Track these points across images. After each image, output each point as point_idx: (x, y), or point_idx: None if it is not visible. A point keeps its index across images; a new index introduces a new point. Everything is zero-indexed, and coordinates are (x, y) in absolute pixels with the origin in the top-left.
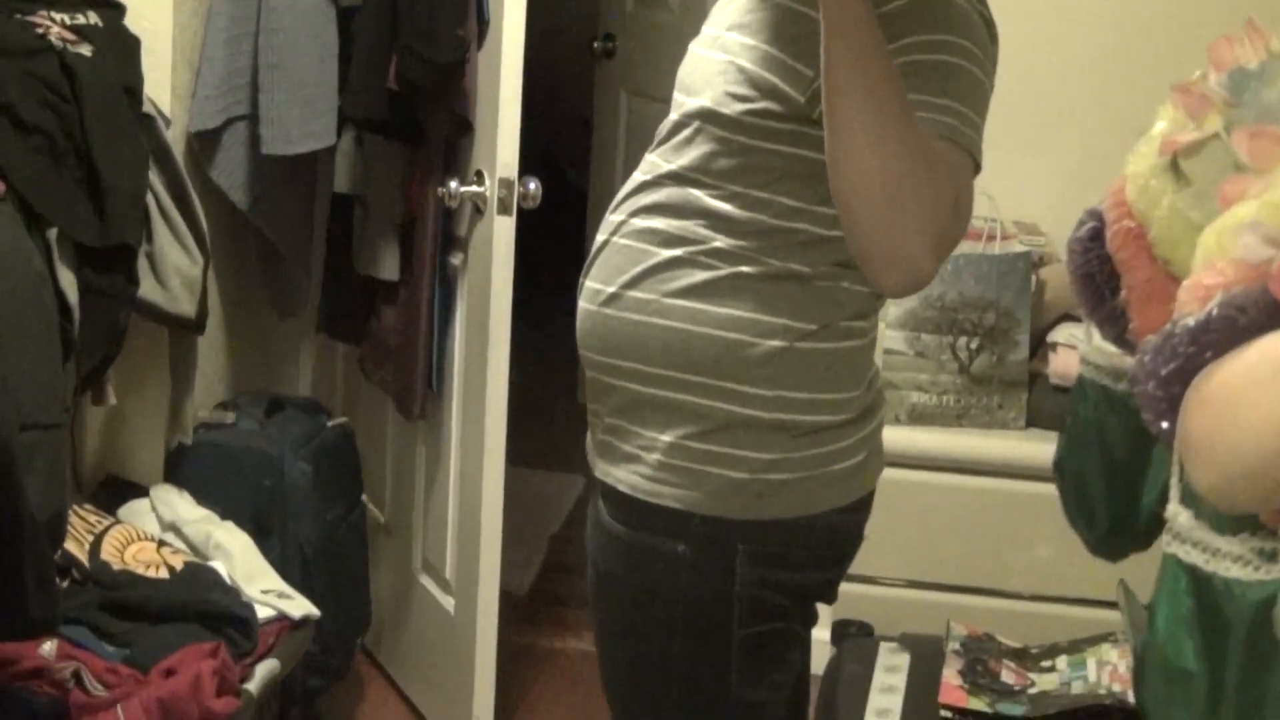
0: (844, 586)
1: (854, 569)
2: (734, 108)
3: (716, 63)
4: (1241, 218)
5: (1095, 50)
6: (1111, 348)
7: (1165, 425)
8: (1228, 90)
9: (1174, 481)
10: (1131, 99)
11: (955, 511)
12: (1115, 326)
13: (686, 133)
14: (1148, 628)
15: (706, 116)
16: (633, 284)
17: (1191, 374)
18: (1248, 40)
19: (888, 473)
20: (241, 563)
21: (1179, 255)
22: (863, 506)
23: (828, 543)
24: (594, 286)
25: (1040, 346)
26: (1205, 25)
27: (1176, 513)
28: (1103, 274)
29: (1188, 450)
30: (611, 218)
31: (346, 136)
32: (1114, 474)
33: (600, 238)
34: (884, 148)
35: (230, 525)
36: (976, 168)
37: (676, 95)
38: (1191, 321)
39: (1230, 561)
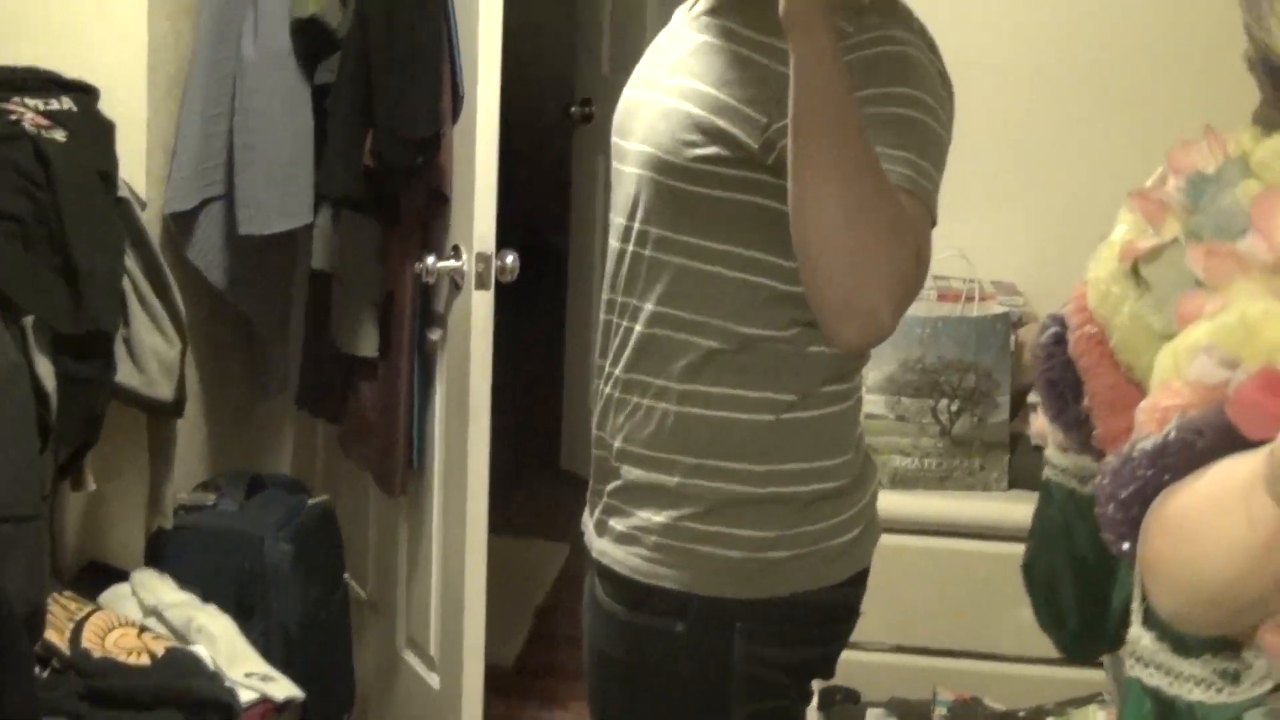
0: None
1: None
2: (683, 154)
3: (657, 106)
4: (1196, 339)
5: (1070, 108)
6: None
7: (1126, 547)
8: (1186, 195)
9: (1135, 605)
10: (1107, 157)
11: (940, 575)
12: (1080, 432)
13: (634, 183)
14: None
15: (652, 164)
16: (627, 366)
17: (1150, 496)
18: (1205, 144)
19: (878, 539)
20: (224, 646)
21: (1141, 362)
22: (859, 581)
23: (826, 619)
24: (600, 364)
25: (1021, 407)
26: (1180, 87)
27: (1139, 635)
28: (1066, 380)
29: (1149, 574)
30: (606, 296)
31: (323, 214)
32: (1083, 577)
33: (602, 316)
34: (850, 198)
35: (212, 608)
36: (933, 221)
37: (616, 140)
38: (1149, 444)
39: (1194, 684)
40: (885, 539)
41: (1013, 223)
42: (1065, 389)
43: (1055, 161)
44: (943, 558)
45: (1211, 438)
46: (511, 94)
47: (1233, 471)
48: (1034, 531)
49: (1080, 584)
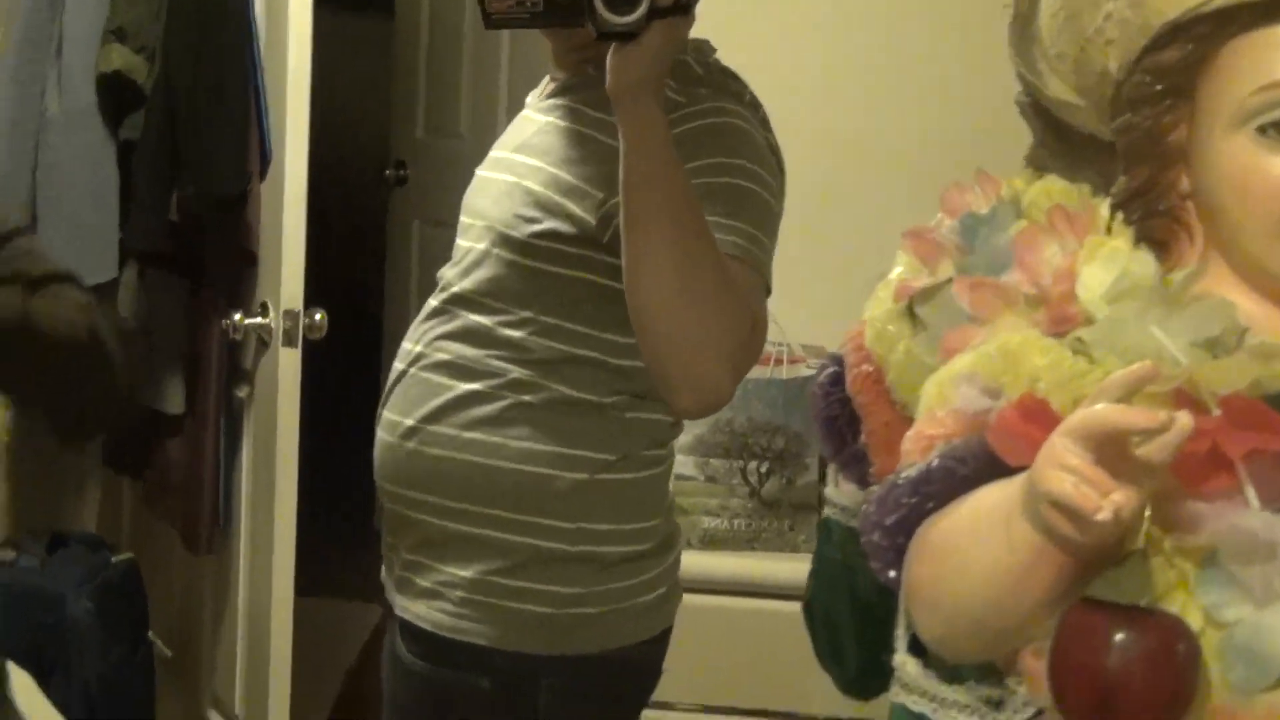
0: None
1: None
2: (522, 230)
3: (502, 184)
4: (959, 369)
5: (878, 172)
6: (855, 489)
7: (893, 574)
8: (959, 236)
9: (900, 631)
10: (914, 220)
11: (749, 635)
12: (858, 469)
13: (475, 255)
14: None
15: (495, 239)
16: (431, 418)
17: (915, 524)
18: (978, 187)
19: (681, 598)
20: (23, 705)
21: (916, 399)
22: (663, 639)
23: (631, 676)
24: (392, 418)
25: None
26: (988, 149)
27: (904, 661)
28: (844, 417)
29: (913, 600)
30: (408, 346)
31: (129, 270)
32: (863, 615)
33: (398, 367)
34: (685, 270)
35: (11, 666)
36: (767, 289)
37: (463, 218)
38: (914, 472)
39: (957, 711)
40: (694, 599)
41: (821, 286)
42: (843, 426)
43: (863, 226)
44: (751, 618)
45: (974, 465)
46: (324, 154)
47: (994, 497)
48: (814, 571)
49: (860, 622)
